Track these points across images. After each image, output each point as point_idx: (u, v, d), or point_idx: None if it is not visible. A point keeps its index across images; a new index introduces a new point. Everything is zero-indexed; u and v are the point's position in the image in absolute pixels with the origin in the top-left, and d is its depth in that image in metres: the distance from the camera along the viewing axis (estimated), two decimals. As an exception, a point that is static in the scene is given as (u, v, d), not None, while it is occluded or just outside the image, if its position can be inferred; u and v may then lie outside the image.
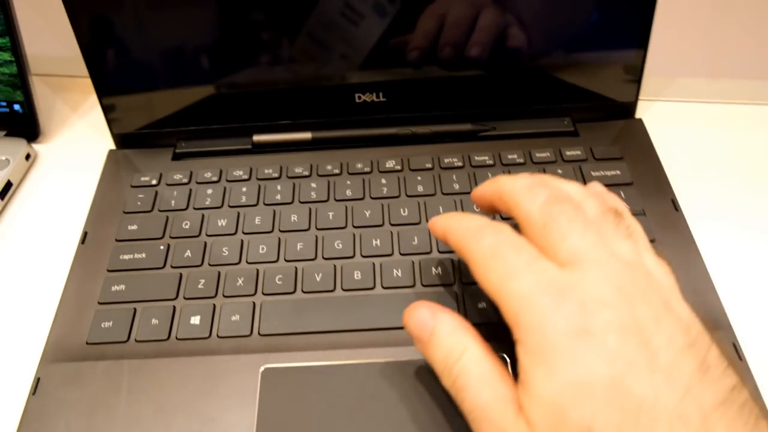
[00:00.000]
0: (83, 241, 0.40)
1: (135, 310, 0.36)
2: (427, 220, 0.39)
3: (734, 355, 0.33)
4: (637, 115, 0.46)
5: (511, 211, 0.28)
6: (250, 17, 0.40)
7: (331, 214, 0.40)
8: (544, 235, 0.26)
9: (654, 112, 0.47)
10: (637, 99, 0.45)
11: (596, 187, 0.30)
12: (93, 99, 0.51)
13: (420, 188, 0.41)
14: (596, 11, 0.41)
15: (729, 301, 0.35)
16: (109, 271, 0.38)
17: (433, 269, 0.36)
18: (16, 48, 0.44)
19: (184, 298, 0.36)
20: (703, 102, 0.48)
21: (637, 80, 0.44)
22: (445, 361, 0.26)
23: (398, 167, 0.42)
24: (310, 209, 0.40)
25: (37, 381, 0.33)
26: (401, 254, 0.37)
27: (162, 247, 0.39)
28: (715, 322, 0.34)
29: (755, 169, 0.43)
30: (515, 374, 0.25)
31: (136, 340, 0.35)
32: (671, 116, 0.47)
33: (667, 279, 0.26)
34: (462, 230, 0.28)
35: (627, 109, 0.45)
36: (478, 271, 0.26)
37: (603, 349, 0.22)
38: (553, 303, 0.24)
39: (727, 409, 0.21)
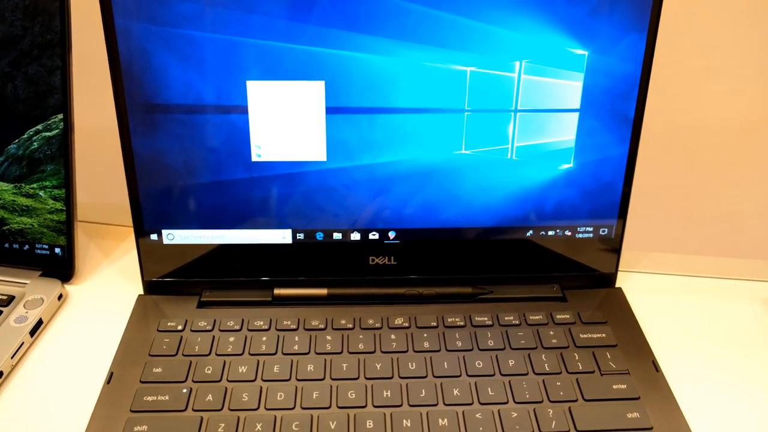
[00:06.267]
0: (109, 381, 0.42)
1: (157, 451, 0.38)
2: (433, 375, 0.43)
3: None
4: (617, 284, 0.51)
5: None
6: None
7: (344, 365, 0.43)
8: None
9: (631, 282, 0.53)
10: (616, 270, 0.51)
11: None
12: (125, 246, 0.57)
13: (426, 344, 0.45)
14: (581, 196, 0.48)
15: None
16: (132, 411, 0.40)
17: (440, 420, 0.39)
18: (69, 199, 0.49)
19: (205, 441, 0.38)
20: (673, 275, 0.54)
21: (616, 256, 0.50)
22: None
23: (406, 324, 0.47)
24: (325, 360, 0.44)
25: None
26: (410, 405, 0.40)
27: (185, 391, 0.41)
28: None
29: (724, 334, 0.48)
30: None
31: (156, 482, 0.36)
32: (646, 286, 0.53)
33: None
34: None
35: (608, 279, 0.51)
36: None
37: None
38: None
39: None
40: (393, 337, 0.46)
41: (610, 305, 0.49)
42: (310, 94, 0.44)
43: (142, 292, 0.50)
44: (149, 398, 0.41)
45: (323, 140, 0.45)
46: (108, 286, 0.52)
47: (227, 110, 0.44)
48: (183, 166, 0.46)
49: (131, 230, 0.48)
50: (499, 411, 0.40)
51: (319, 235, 0.48)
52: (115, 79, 0.43)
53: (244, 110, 0.44)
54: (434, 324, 0.47)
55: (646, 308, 0.50)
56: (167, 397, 0.41)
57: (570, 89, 0.45)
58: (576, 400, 0.41)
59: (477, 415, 0.40)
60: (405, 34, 0.43)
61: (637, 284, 0.53)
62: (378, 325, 0.47)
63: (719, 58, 0.53)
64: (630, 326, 0.47)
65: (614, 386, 0.42)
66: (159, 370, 0.43)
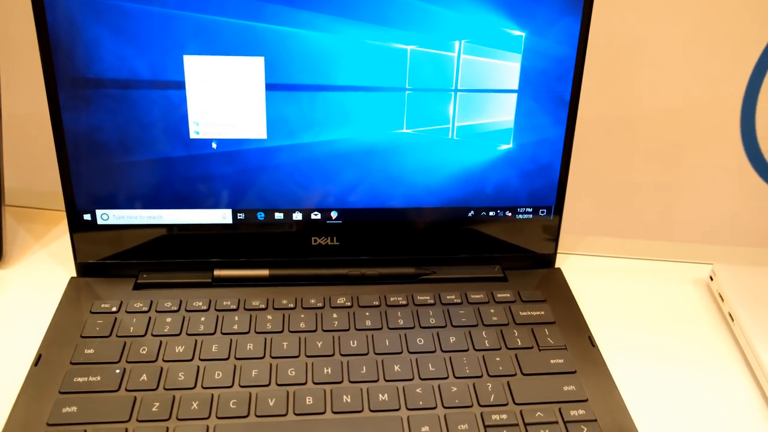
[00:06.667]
0: (36, 363, 0.41)
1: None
2: (374, 352, 0.42)
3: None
4: (556, 265, 0.52)
5: None
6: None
7: (285, 344, 0.43)
8: None
9: (570, 264, 0.54)
10: (555, 252, 0.52)
11: None
12: (58, 230, 0.54)
13: (368, 323, 0.45)
14: (521, 176, 0.49)
15: (643, 426, 0.39)
16: (61, 392, 0.39)
17: (380, 396, 0.39)
18: (-5, 180, 0.47)
19: (137, 420, 0.37)
20: (610, 257, 0.56)
21: (555, 237, 0.51)
22: None
23: (348, 303, 0.46)
24: (265, 339, 0.43)
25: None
26: (350, 382, 0.40)
27: (118, 371, 0.40)
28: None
29: (657, 312, 0.50)
30: None
31: (85, 463, 0.35)
32: (585, 267, 0.54)
33: None
34: None
35: (548, 260, 0.52)
36: None
37: None
38: None
39: None
40: (335, 316, 0.45)
41: (549, 285, 0.50)
42: (250, 70, 0.44)
43: (75, 275, 0.48)
44: (79, 379, 0.39)
45: (263, 117, 0.45)
46: (38, 270, 0.50)
47: (164, 85, 0.43)
48: (117, 143, 0.44)
49: (65, 215, 0.46)
50: (439, 386, 0.40)
51: (260, 215, 0.48)
52: (43, 52, 0.41)
53: (181, 86, 0.43)
54: (376, 303, 0.47)
55: (584, 288, 0.51)
56: (99, 378, 0.40)
57: (508, 70, 0.46)
58: (515, 375, 0.42)
59: (417, 390, 0.40)
60: (346, 11, 0.43)
61: (575, 265, 0.54)
62: (320, 304, 0.46)
63: (655, 47, 0.55)
64: (568, 304, 0.49)
65: (552, 361, 0.43)
66: (91, 351, 0.41)
